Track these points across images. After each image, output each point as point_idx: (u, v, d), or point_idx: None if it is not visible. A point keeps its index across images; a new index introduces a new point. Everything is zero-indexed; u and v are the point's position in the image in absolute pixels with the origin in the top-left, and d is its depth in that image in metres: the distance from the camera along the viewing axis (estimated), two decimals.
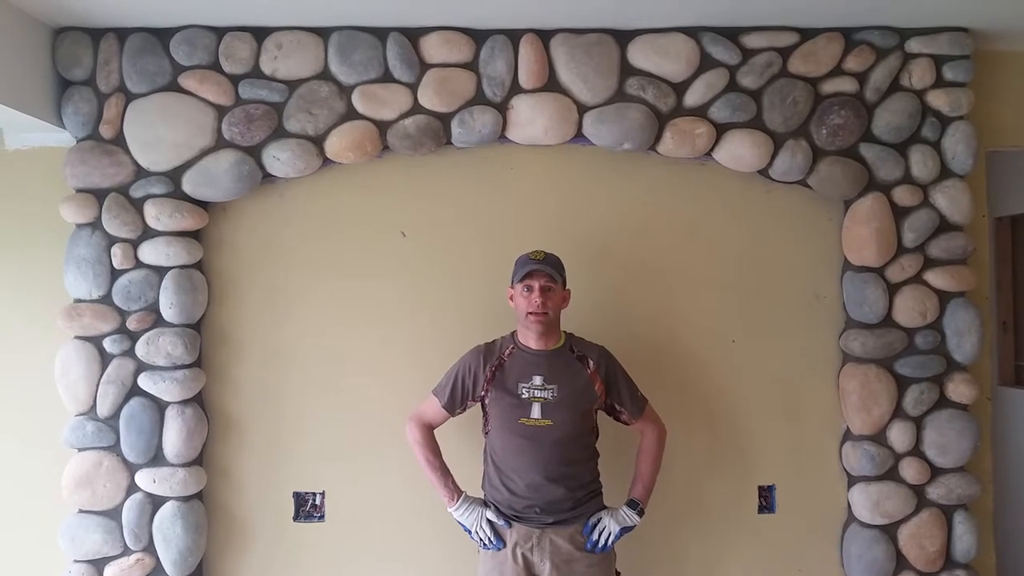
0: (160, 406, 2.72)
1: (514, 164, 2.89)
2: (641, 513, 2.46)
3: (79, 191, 2.72)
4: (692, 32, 2.78)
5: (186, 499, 2.73)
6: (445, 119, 2.77)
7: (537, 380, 2.42)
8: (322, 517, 2.85)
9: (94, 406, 2.71)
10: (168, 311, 2.71)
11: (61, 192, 2.73)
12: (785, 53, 2.80)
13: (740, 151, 2.78)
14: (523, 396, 2.41)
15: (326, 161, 2.79)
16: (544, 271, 2.42)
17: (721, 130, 2.79)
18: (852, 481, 2.88)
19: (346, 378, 2.85)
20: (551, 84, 2.79)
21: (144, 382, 2.71)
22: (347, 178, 2.87)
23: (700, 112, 2.80)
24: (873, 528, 2.83)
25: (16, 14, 2.51)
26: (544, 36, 2.78)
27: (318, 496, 2.86)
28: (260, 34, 2.74)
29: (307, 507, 2.86)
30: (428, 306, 2.86)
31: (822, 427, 2.94)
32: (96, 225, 2.71)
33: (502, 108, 2.78)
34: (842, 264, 2.91)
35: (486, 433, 2.51)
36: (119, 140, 2.72)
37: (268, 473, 2.85)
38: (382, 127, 2.76)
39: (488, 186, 2.90)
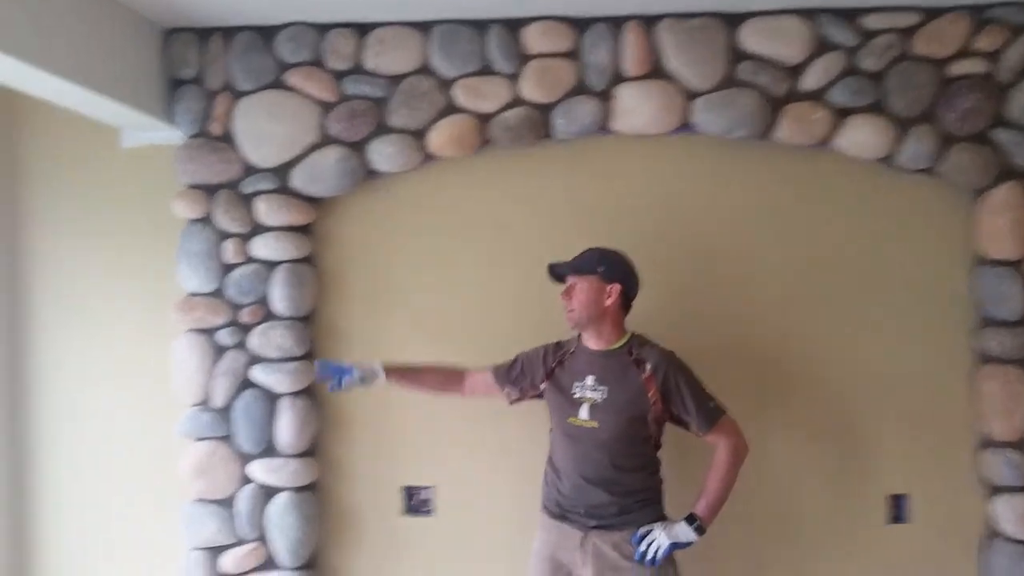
0: (272, 397, 2.78)
1: (616, 155, 2.82)
2: (700, 530, 2.28)
3: (191, 187, 2.79)
4: (807, 13, 2.65)
5: (298, 490, 2.79)
6: (546, 110, 2.72)
7: (590, 380, 2.35)
8: (432, 512, 2.87)
9: (208, 397, 2.79)
10: (279, 304, 2.76)
11: (174, 188, 2.81)
12: (907, 34, 2.64)
13: (862, 137, 2.64)
14: (574, 395, 2.36)
15: (428, 156, 2.78)
16: (566, 270, 2.40)
17: (840, 115, 2.66)
18: (995, 491, 2.71)
19: None
20: (656, 71, 2.71)
21: (256, 374, 2.77)
22: (448, 172, 2.85)
23: (817, 97, 2.66)
24: (1020, 544, 2.65)
25: (130, 16, 2.58)
26: (648, 22, 2.69)
27: (428, 490, 2.87)
28: (362, 30, 2.74)
29: (417, 501, 2.88)
30: (530, 300, 2.80)
31: (954, 432, 2.77)
32: (207, 220, 2.78)
33: (605, 97, 2.71)
34: (974, 258, 2.74)
35: (550, 431, 2.50)
36: (228, 137, 2.78)
37: (378, 465, 2.88)
38: (483, 120, 2.74)
39: (589, 179, 2.84)
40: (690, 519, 2.29)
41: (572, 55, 2.72)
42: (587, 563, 2.30)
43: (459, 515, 2.86)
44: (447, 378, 2.62)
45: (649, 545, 2.27)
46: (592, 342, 2.41)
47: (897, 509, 2.78)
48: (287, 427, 2.76)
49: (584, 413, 2.33)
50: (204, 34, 2.77)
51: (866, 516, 2.79)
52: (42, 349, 2.97)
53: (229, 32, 2.76)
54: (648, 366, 2.32)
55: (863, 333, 2.78)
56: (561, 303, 2.41)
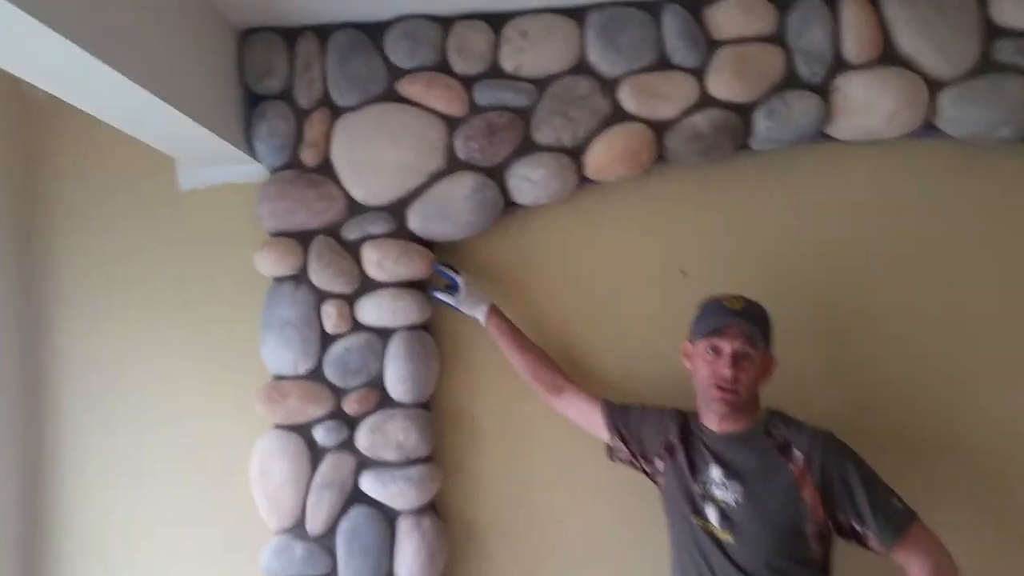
0: (389, 517, 2.03)
1: (838, 168, 2.14)
2: None
3: (276, 235, 2.10)
4: None
5: None
6: (745, 112, 2.06)
7: (715, 473, 1.72)
8: None
9: (303, 519, 2.03)
10: (398, 387, 2.04)
11: (250, 239, 2.13)
12: None
13: None
14: (696, 491, 1.73)
15: (584, 179, 2.12)
16: (742, 328, 1.69)
17: None
18: None
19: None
20: (888, 56, 2.06)
21: (368, 484, 2.02)
22: (605, 201, 2.19)
23: None
24: None
25: (196, 9, 1.93)
26: None
27: None
28: (497, 21, 2.11)
29: None
30: None
31: None
32: (301, 278, 2.08)
33: (823, 91, 2.06)
34: None
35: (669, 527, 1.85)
36: (325, 168, 2.11)
37: None
38: (659, 129, 2.07)
39: (795, 206, 2.15)
40: None
41: (774, 39, 2.08)
42: None
43: None
44: (544, 374, 2.01)
45: None
46: (718, 424, 1.74)
47: None
48: (411, 558, 2.00)
49: (713, 519, 1.66)
50: (291, 35, 2.13)
51: None
52: (68, 453, 2.22)
53: (324, 31, 2.13)
54: (799, 454, 1.66)
55: None
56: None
